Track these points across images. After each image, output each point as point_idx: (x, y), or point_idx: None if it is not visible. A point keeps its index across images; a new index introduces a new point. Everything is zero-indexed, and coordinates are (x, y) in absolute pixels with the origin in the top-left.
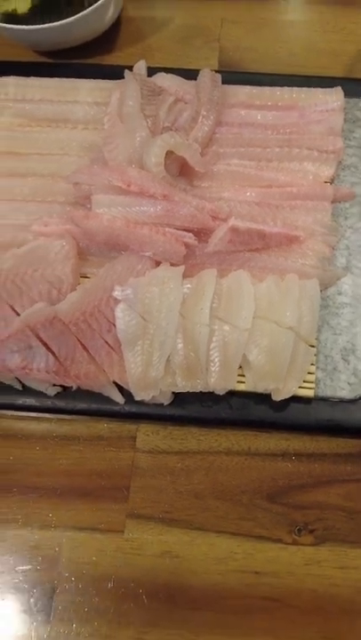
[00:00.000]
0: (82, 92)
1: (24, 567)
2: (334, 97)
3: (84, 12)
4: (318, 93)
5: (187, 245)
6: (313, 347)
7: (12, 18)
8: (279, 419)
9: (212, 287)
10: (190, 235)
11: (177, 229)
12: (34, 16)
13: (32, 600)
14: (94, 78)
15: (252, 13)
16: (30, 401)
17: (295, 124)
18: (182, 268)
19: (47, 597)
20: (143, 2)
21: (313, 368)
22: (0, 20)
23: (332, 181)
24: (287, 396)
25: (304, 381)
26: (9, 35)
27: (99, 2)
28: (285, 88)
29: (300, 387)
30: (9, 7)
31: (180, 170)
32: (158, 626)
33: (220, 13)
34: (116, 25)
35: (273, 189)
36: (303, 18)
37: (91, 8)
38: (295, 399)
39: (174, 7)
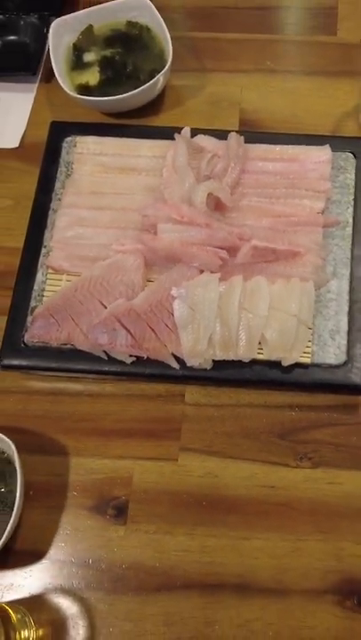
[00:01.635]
0: (144, 149)
1: (107, 487)
2: (324, 152)
3: (142, 87)
4: (313, 150)
5: (222, 259)
6: (310, 329)
7: (85, 89)
8: (286, 379)
9: (239, 287)
10: (224, 251)
11: (215, 247)
12: (102, 87)
13: (113, 508)
14: (151, 137)
15: (265, 83)
16: (113, 368)
17: (296, 172)
18: (218, 274)
19: (123, 506)
20: (182, 73)
21: (310, 343)
22: (76, 90)
23: (322, 212)
24: (292, 362)
25: (304, 352)
26: (84, 103)
27: (153, 80)
28: (289, 146)
29: (301, 356)
30: (83, 80)
31: (216, 205)
32: (203, 524)
33: (241, 83)
34: (162, 91)
35: (281, 219)
36: (303, 86)
37: (147, 85)
38: (298, 365)
39: (206, 78)
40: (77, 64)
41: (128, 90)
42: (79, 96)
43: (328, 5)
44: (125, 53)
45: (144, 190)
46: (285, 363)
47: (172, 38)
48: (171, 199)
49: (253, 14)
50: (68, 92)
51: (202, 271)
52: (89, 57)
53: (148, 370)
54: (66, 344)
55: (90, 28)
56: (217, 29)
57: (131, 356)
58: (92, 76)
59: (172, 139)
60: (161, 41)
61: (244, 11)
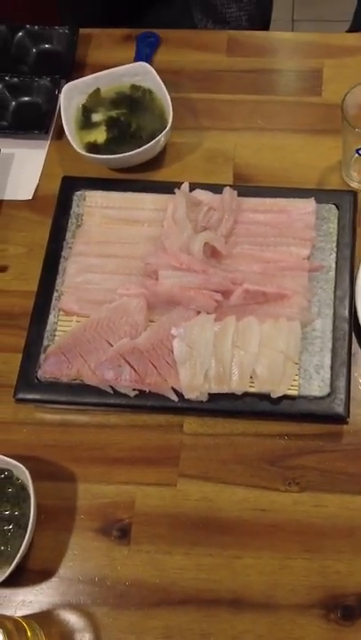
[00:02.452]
0: (147, 202)
1: (111, 510)
2: (309, 204)
3: (145, 146)
4: (299, 202)
5: (217, 301)
6: (296, 364)
7: (93, 146)
8: (276, 410)
9: (232, 327)
10: (219, 294)
11: (211, 291)
12: (108, 145)
13: (117, 530)
14: (153, 192)
15: (257, 140)
16: (118, 400)
17: (284, 222)
18: (213, 315)
19: (127, 528)
20: (181, 131)
21: (297, 377)
22: (85, 148)
23: (308, 258)
24: (281, 395)
25: (291, 385)
26: (92, 160)
27: (154, 139)
28: (278, 199)
29: (288, 389)
30: (91, 138)
31: (212, 253)
32: (199, 545)
33: (235, 140)
34: (164, 148)
35: (271, 264)
36: (291, 142)
37: (149, 144)
38: (286, 397)
39: (203, 135)
40: (86, 124)
41: (132, 148)
42: (88, 154)
43: (314, 68)
44: (130, 114)
45: (147, 240)
46: (275, 395)
47: (171, 99)
48: (171, 248)
49: (246, 77)
50: (78, 150)
51: (199, 312)
52: (96, 117)
53: (150, 402)
54: (75, 379)
55: (97, 90)
56: (212, 91)
57: (134, 389)
58: (99, 135)
59: (173, 193)
60: (162, 103)
61: (236, 73)
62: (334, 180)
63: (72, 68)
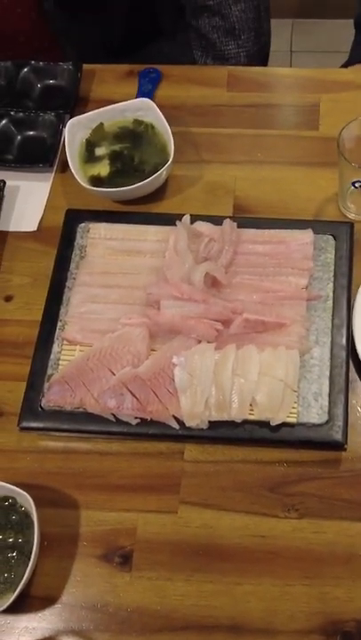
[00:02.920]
0: (149, 234)
1: (113, 537)
2: (307, 235)
3: (147, 180)
4: (297, 233)
5: (217, 330)
6: (295, 391)
7: (97, 179)
8: (275, 437)
9: (232, 355)
10: (219, 323)
11: (211, 320)
12: (112, 178)
13: (119, 557)
14: (155, 224)
15: (255, 173)
16: (120, 429)
17: (283, 253)
18: (214, 344)
19: (128, 555)
20: (183, 164)
21: (295, 405)
22: (89, 181)
23: (306, 288)
24: (280, 422)
25: (290, 413)
26: (96, 193)
27: (157, 173)
28: (276, 230)
29: (287, 416)
30: (95, 172)
31: (212, 283)
32: (200, 571)
33: (235, 173)
34: (165, 181)
35: (270, 294)
36: (289, 175)
37: (152, 177)
38: (285, 424)
39: (203, 168)
40: (90, 157)
41: (135, 181)
42: (91, 187)
43: (311, 103)
44: (132, 148)
45: (149, 271)
46: (274, 422)
47: (173, 133)
48: (172, 278)
49: (245, 111)
50: (82, 183)
51: (199, 341)
52: (100, 151)
53: (152, 430)
54: (78, 408)
55: (101, 125)
56: (213, 125)
57: (136, 417)
58: (103, 169)
59: (174, 225)
60: (164, 137)
61: (236, 108)
62: (331, 211)
63: (76, 102)
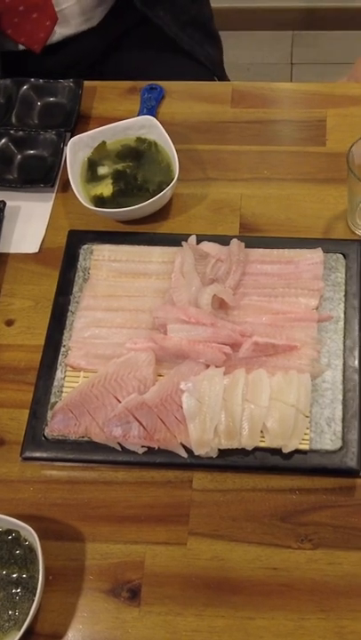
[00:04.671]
0: (154, 255)
1: (121, 570)
2: (317, 254)
3: (151, 199)
4: (307, 253)
5: (226, 354)
6: (307, 417)
7: (99, 199)
8: (287, 465)
9: (242, 380)
10: (228, 347)
11: (219, 344)
12: (115, 198)
13: (127, 591)
14: (161, 244)
15: (262, 190)
16: (126, 458)
17: (292, 273)
18: (223, 368)
19: (137, 589)
20: (187, 182)
21: (308, 431)
22: (92, 201)
23: (317, 309)
24: (292, 450)
25: (302, 439)
26: (99, 213)
27: (161, 192)
28: (285, 250)
29: (300, 443)
30: (97, 192)
31: (220, 305)
32: (211, 605)
33: (241, 190)
34: (170, 200)
35: (279, 315)
36: (296, 192)
37: (156, 197)
38: (297, 451)
39: (209, 186)
40: (92, 177)
41: (139, 200)
42: (94, 208)
43: (318, 118)
44: (136, 167)
45: (154, 293)
46: (286, 450)
47: (177, 150)
48: (179, 301)
49: (251, 127)
50: (84, 204)
51: (208, 366)
52: (102, 170)
53: (159, 459)
54: (83, 437)
55: (103, 144)
56: (218, 142)
57: (143, 446)
58: (105, 188)
59: (180, 245)
60: (168, 155)
61: (241, 124)
62: (340, 228)
63: (77, 120)
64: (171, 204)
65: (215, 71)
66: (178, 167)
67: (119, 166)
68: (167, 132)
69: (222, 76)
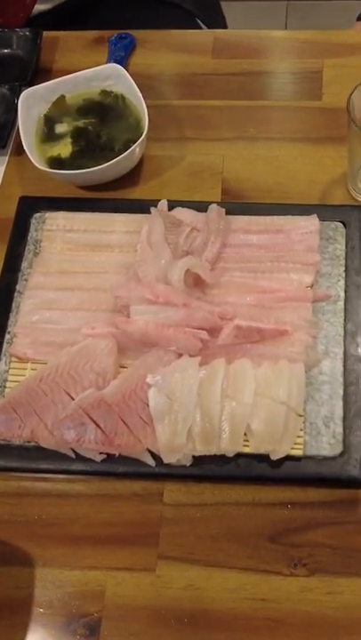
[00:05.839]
0: (118, 224)
1: (77, 602)
2: (312, 222)
3: (116, 159)
4: (300, 220)
5: (201, 340)
6: (301, 416)
7: (57, 162)
8: (276, 474)
9: (221, 372)
10: (204, 332)
11: (194, 329)
12: (75, 160)
13: (84, 627)
14: (126, 212)
15: (248, 151)
16: (81, 466)
17: (282, 244)
18: (198, 358)
19: (96, 624)
20: (161, 142)
21: (301, 433)
22: (48, 163)
23: (311, 286)
24: (282, 456)
25: (295, 443)
26: (55, 176)
27: (128, 150)
28: (275, 217)
29: (292, 448)
30: (54, 153)
31: (195, 282)
32: None
33: (223, 151)
34: (140, 162)
35: (267, 295)
36: (288, 153)
37: (121, 156)
38: (288, 458)
39: (185, 147)
40: (49, 136)
41: (102, 162)
42: (48, 169)
43: (312, 69)
44: (99, 123)
45: (117, 269)
46: (275, 456)
47: (149, 107)
48: (145, 277)
49: (234, 80)
50: (37, 165)
51: (180, 355)
52: (61, 128)
53: (122, 468)
54: (29, 441)
55: (62, 98)
56: (197, 97)
57: (101, 453)
58: (64, 148)
59: (149, 212)
60: (137, 110)
61: (224, 77)
62: (339, 194)
63: (35, 74)
64: (141, 167)
65: (200, 15)
66: (147, 121)
67: (80, 123)
68: (139, 86)
69: (214, 20)
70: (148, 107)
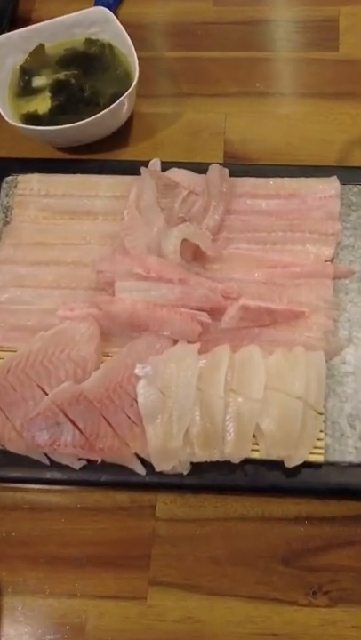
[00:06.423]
0: (102, 187)
1: (52, 637)
2: (331, 185)
3: (101, 113)
4: (317, 182)
5: (201, 324)
6: (321, 414)
7: (33, 118)
8: (291, 484)
9: (225, 361)
10: (205, 314)
11: (192, 309)
12: (54, 116)
13: None
14: (112, 173)
15: (253, 108)
16: (57, 475)
17: (297, 211)
18: (198, 344)
19: None
20: (154, 99)
21: (322, 434)
22: (22, 120)
23: (332, 260)
24: (299, 462)
25: (314, 447)
26: (31, 134)
27: (114, 104)
28: (286, 179)
29: (310, 453)
30: (30, 108)
31: (194, 255)
32: None
33: (225, 109)
34: (129, 121)
35: (278, 270)
36: (300, 110)
37: (106, 110)
38: (306, 465)
39: (183, 104)
40: (25, 90)
41: (86, 118)
42: (22, 125)
43: (328, 17)
44: (83, 76)
45: (101, 239)
46: (290, 463)
47: (141, 59)
48: (134, 249)
49: (239, 30)
50: (9, 121)
51: (176, 341)
52: (39, 81)
53: (105, 477)
54: None
55: (40, 47)
56: (196, 48)
57: (80, 459)
58: (42, 103)
59: (138, 174)
60: (126, 59)
61: (228, 26)
62: (359, 156)
63: (11, 24)
64: (131, 126)
65: None
66: (138, 70)
67: (61, 75)
68: (130, 36)
69: None
70: (139, 59)
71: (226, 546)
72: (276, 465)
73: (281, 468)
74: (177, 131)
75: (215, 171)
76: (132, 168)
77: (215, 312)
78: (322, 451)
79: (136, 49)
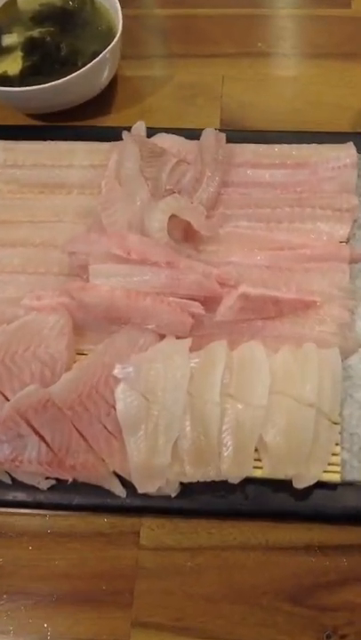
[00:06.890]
0: (77, 155)
1: None
2: (346, 152)
3: (78, 72)
4: (330, 150)
5: (193, 316)
6: (336, 424)
7: (2, 80)
8: (301, 508)
9: (222, 361)
10: (197, 304)
11: (182, 299)
12: (26, 78)
13: None
14: (88, 138)
15: (254, 70)
16: (21, 496)
17: (306, 182)
18: (189, 340)
19: None
20: (140, 60)
21: (338, 449)
22: None
23: (347, 241)
24: (310, 483)
25: (328, 464)
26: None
27: (93, 61)
28: (294, 145)
29: (324, 470)
30: (0, 69)
31: (185, 234)
32: None
33: (221, 70)
34: (113, 85)
35: (285, 252)
36: (306, 73)
37: (85, 68)
38: (319, 485)
39: (173, 65)
40: None
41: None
42: None
43: None
44: (59, 33)
45: (76, 217)
46: (299, 483)
47: (128, 17)
48: (112, 225)
49: None
50: None
51: (163, 336)
52: (9, 39)
53: (78, 499)
54: None
55: (11, 2)
56: (187, 5)
57: (47, 478)
58: (12, 64)
59: (119, 139)
60: (108, 13)
61: None
62: None
63: None
64: (115, 90)
65: None
66: (121, 23)
67: (35, 33)
68: None
69: None
70: (125, 17)
71: (223, 580)
72: (283, 485)
73: (289, 490)
74: (167, 95)
75: (210, 135)
76: (113, 134)
77: (210, 302)
78: (338, 468)
79: (122, 6)
